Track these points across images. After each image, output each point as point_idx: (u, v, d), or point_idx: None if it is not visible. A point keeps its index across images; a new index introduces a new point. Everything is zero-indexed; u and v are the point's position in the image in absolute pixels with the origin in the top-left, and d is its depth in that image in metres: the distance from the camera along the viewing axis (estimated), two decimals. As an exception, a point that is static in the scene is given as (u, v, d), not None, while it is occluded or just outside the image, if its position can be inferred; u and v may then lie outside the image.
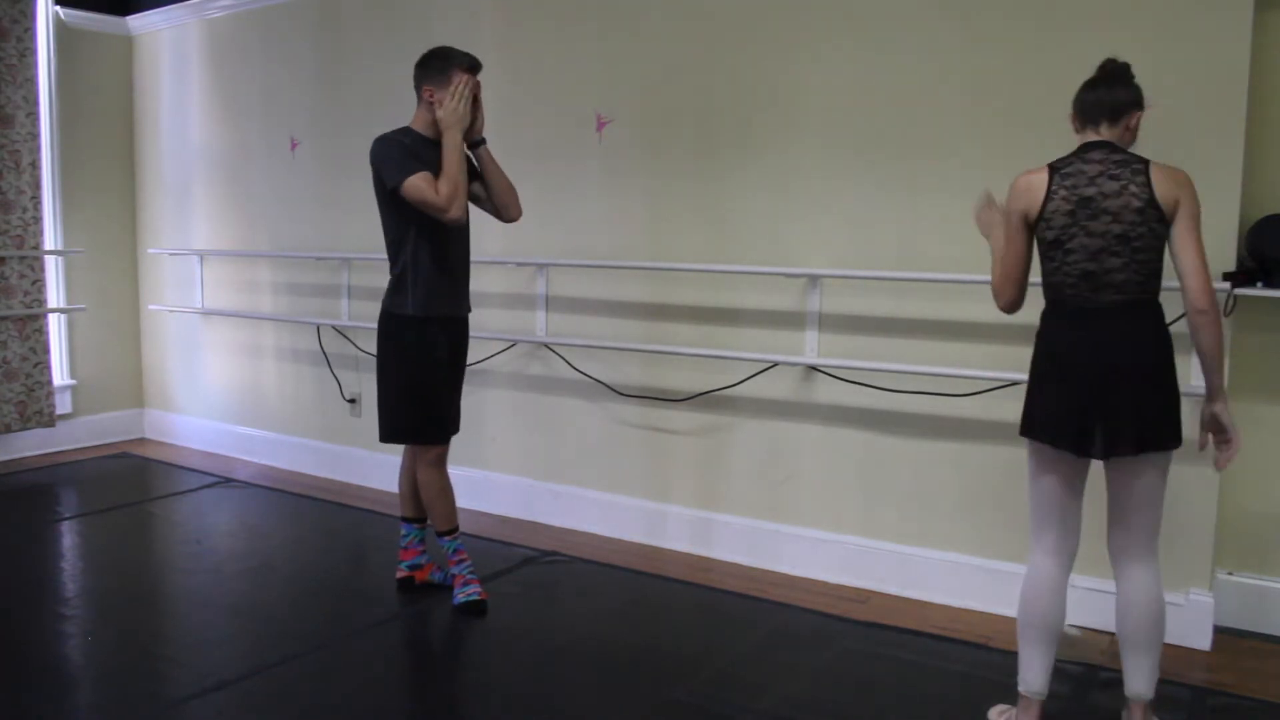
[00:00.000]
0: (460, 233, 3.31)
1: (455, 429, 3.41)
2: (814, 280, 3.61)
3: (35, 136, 5.26)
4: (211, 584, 3.62)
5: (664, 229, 3.97)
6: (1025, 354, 3.25)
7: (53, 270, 5.56)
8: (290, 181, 5.14)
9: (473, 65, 3.20)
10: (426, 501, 3.36)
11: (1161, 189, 2.31)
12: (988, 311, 3.32)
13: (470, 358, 3.50)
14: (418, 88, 3.22)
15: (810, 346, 3.64)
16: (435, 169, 3.21)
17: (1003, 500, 3.34)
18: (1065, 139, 3.15)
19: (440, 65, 3.19)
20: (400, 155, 3.13)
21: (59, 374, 5.59)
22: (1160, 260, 2.35)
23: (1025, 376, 3.20)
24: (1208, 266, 2.31)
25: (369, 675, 2.89)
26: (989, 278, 3.25)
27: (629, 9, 4.00)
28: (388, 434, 3.31)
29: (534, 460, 4.42)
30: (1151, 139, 3.03)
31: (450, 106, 3.15)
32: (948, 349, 3.41)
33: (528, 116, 4.27)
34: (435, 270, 3.21)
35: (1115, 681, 2.84)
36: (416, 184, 3.09)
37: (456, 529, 3.39)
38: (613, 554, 3.94)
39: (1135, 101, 2.43)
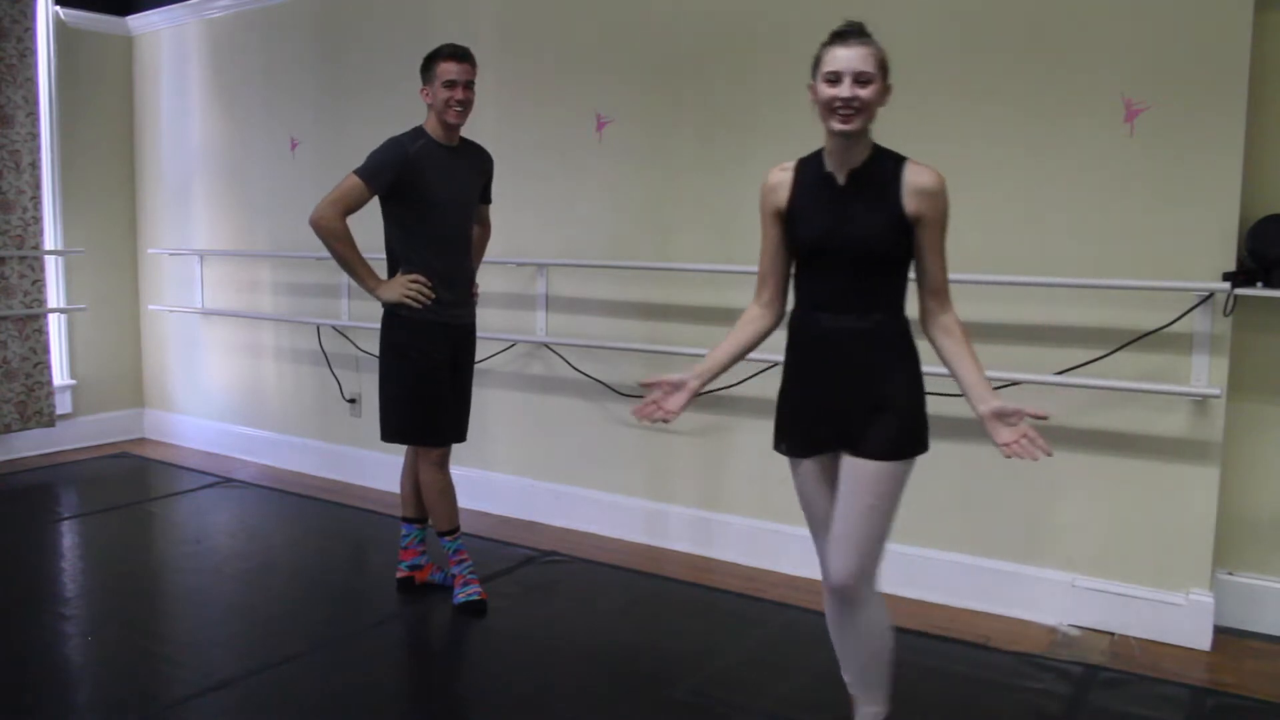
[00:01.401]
0: (457, 241, 3.31)
1: (460, 437, 3.40)
2: (814, 280, 3.60)
3: (35, 136, 5.25)
4: (211, 584, 3.62)
5: (664, 229, 3.97)
6: (1026, 354, 3.27)
7: (53, 270, 5.56)
8: (290, 181, 5.13)
9: (455, 53, 3.17)
10: (428, 502, 3.35)
11: None
12: (988, 311, 3.33)
13: (470, 358, 3.50)
14: (421, 91, 3.23)
15: (810, 346, 3.63)
16: (443, 173, 3.21)
17: (1003, 500, 3.34)
18: (1064, 139, 3.16)
19: (427, 62, 3.20)
20: (380, 158, 3.14)
21: (59, 374, 5.59)
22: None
23: (1025, 376, 3.22)
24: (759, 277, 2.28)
25: (369, 675, 2.89)
26: (991, 278, 3.27)
27: (629, 9, 4.00)
28: (388, 434, 3.31)
29: (534, 460, 4.42)
30: (1152, 139, 3.04)
31: (397, 293, 3.17)
32: (948, 349, 3.40)
33: (528, 116, 4.27)
34: (429, 276, 3.21)
35: (1115, 681, 2.84)
36: (344, 186, 3.13)
37: (458, 529, 3.39)
38: (613, 554, 3.94)
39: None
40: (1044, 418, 2.06)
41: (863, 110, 2.04)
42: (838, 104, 2.04)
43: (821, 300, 2.16)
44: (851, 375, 2.16)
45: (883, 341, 2.17)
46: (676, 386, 2.23)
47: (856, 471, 2.15)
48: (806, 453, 2.23)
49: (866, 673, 2.29)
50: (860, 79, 2.02)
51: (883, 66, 2.07)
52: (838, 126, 2.05)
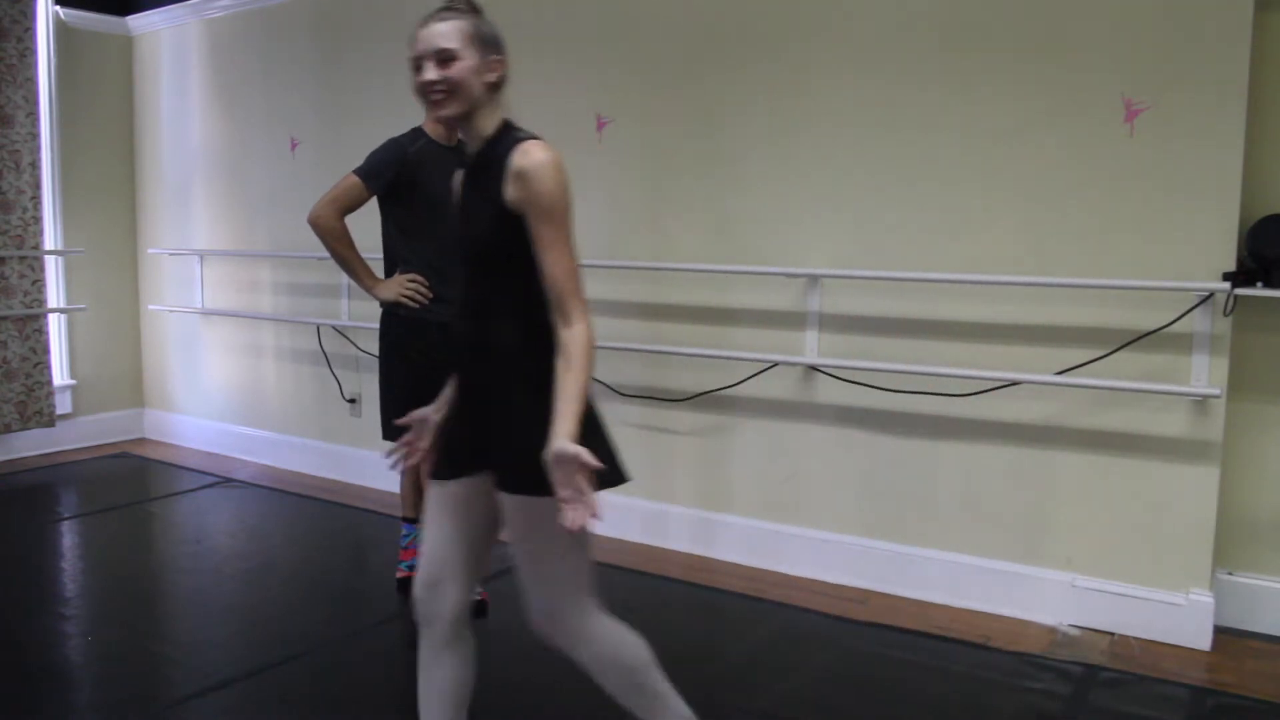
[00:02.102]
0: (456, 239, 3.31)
1: None
2: (814, 280, 3.61)
3: (35, 136, 5.25)
4: (211, 584, 3.62)
5: (664, 229, 3.97)
6: (1026, 354, 3.27)
7: (53, 270, 5.56)
8: (290, 181, 5.13)
9: None
10: (427, 501, 3.36)
11: None
12: (988, 311, 3.33)
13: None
14: None
15: (810, 346, 3.64)
16: (442, 173, 3.20)
17: (1002, 500, 3.34)
18: (1064, 139, 3.16)
19: None
20: (379, 158, 3.16)
21: (59, 374, 5.59)
22: None
23: (1025, 376, 3.22)
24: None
25: (369, 675, 2.89)
26: (991, 278, 3.27)
27: (629, 9, 4.00)
28: (389, 432, 3.32)
29: (534, 460, 4.42)
30: (1152, 139, 3.04)
31: (394, 292, 3.18)
32: (948, 349, 3.41)
33: (528, 116, 4.25)
34: (427, 276, 3.21)
35: (1115, 681, 2.84)
36: (342, 185, 3.15)
37: (457, 529, 3.38)
38: (613, 554, 3.94)
39: None
40: (598, 468, 1.71)
41: (455, 91, 1.80)
42: (425, 89, 1.82)
43: (462, 302, 1.93)
44: (480, 393, 1.89)
45: (507, 355, 1.85)
46: (424, 422, 2.04)
47: (503, 506, 1.88)
48: (442, 474, 1.97)
49: (626, 705, 2.00)
50: (442, 57, 1.79)
51: (476, 39, 1.81)
52: (433, 113, 1.84)
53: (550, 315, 1.79)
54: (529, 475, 1.78)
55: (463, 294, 1.92)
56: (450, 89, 1.80)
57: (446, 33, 1.79)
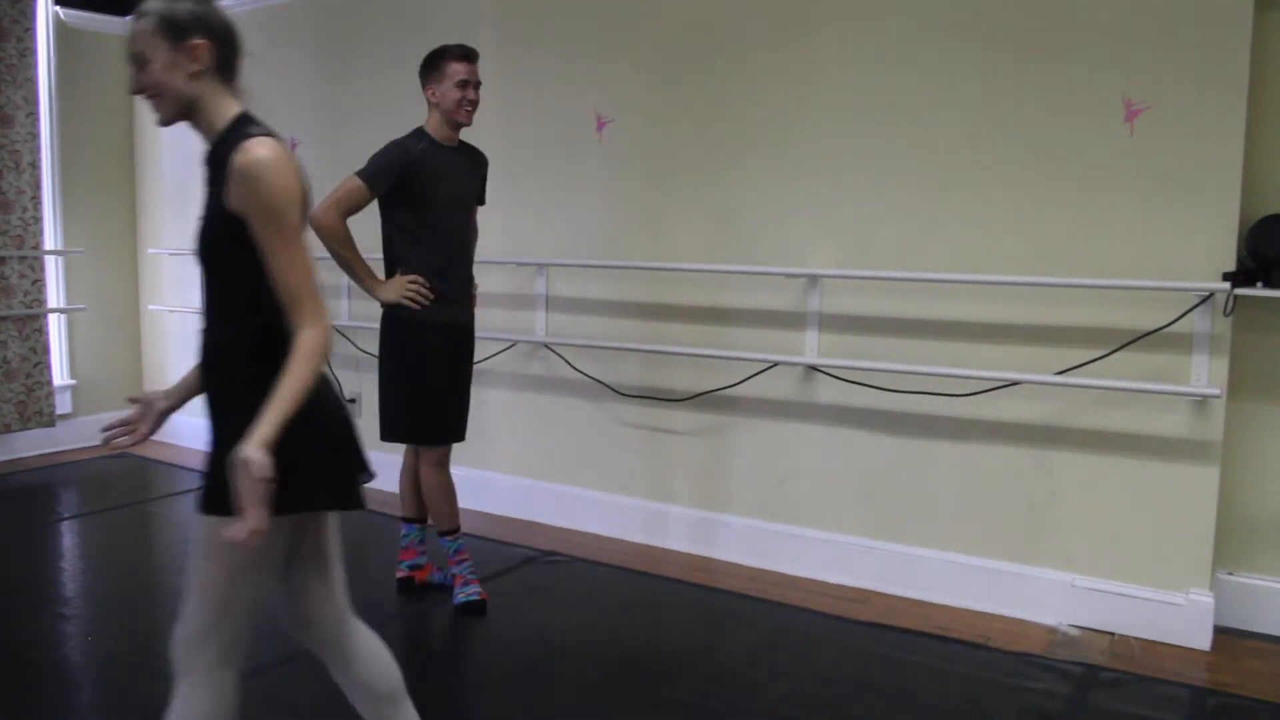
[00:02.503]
0: (456, 239, 3.31)
1: (460, 436, 3.40)
2: (814, 280, 3.61)
3: (35, 136, 5.25)
4: (211, 584, 3.62)
5: (664, 229, 3.97)
6: (1026, 354, 3.27)
7: (53, 270, 5.56)
8: (290, 181, 5.12)
9: (465, 54, 3.19)
10: (429, 502, 3.35)
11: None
12: (988, 311, 3.33)
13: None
14: (424, 90, 3.23)
15: (810, 346, 3.64)
16: (444, 174, 3.21)
17: (1003, 500, 3.35)
18: (1064, 139, 3.16)
19: (435, 61, 3.20)
20: (381, 161, 3.15)
21: (59, 374, 5.59)
22: None
23: (1025, 376, 3.22)
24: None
25: (369, 675, 2.89)
26: (991, 278, 3.27)
27: (629, 9, 4.00)
28: (387, 433, 3.31)
29: (534, 460, 4.42)
30: (1152, 139, 3.04)
31: (396, 293, 3.17)
32: (948, 349, 3.41)
33: (528, 116, 4.27)
34: (428, 276, 3.21)
35: (1115, 681, 2.84)
36: (345, 187, 3.14)
37: (458, 529, 3.39)
38: (613, 554, 3.94)
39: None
40: (270, 480, 1.54)
41: (158, 95, 1.69)
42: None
43: (201, 309, 1.81)
44: (209, 404, 1.77)
45: (223, 362, 1.75)
46: (150, 405, 1.92)
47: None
48: None
49: None
50: (136, 63, 1.69)
51: (161, 33, 1.67)
52: (155, 118, 1.74)
53: (284, 322, 1.66)
54: (208, 492, 1.71)
55: (202, 294, 1.78)
56: (152, 94, 1.70)
57: (134, 36, 1.69)
